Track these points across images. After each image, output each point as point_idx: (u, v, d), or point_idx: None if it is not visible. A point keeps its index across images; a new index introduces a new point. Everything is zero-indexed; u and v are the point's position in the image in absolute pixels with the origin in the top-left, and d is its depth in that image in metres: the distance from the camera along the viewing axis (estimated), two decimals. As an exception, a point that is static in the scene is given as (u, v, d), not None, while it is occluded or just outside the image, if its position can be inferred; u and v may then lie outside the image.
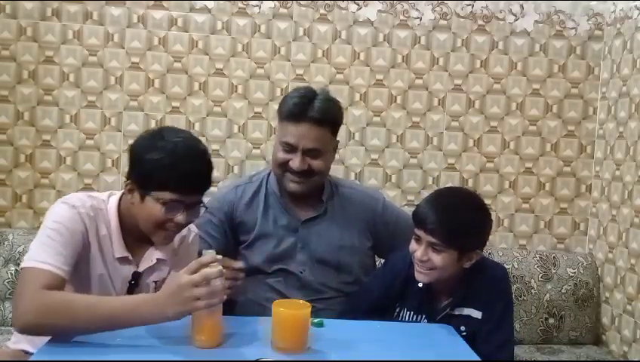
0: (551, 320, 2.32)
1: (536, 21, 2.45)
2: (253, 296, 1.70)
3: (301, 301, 1.39)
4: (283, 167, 1.70)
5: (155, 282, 1.50)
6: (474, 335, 1.53)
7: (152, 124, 2.35)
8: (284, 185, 1.73)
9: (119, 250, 1.45)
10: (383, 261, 2.00)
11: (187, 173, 1.35)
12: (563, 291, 2.33)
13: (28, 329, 1.30)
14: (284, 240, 1.74)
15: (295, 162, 1.67)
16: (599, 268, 2.42)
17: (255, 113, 2.39)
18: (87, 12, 2.31)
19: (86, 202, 1.42)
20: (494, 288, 1.57)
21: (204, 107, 2.38)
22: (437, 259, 1.49)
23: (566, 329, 2.34)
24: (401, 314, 1.66)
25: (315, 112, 1.66)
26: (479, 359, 1.36)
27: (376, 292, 1.68)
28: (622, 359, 2.24)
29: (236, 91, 2.38)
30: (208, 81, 2.37)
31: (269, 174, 1.82)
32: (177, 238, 1.52)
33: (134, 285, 1.48)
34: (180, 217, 1.38)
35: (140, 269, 1.48)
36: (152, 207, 1.37)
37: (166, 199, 1.35)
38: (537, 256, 2.39)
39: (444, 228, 1.48)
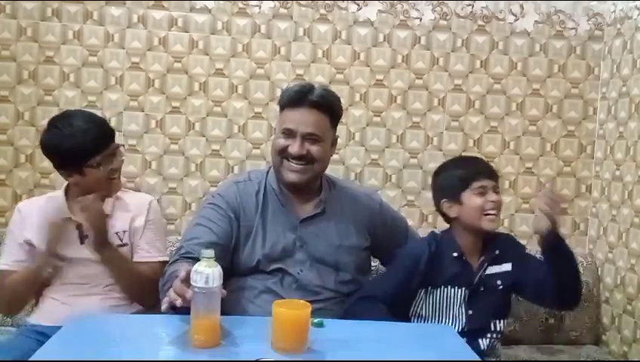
0: (551, 320, 2.32)
1: (536, 21, 2.45)
2: (249, 296, 1.69)
3: (301, 301, 1.39)
4: (282, 153, 1.72)
5: (117, 233, 1.86)
6: (509, 288, 1.77)
7: (152, 124, 2.36)
8: (283, 175, 1.73)
9: (63, 212, 1.82)
10: (379, 261, 2.02)
11: (95, 138, 1.76)
12: (563, 291, 2.33)
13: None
14: (283, 238, 1.73)
15: (294, 147, 1.69)
16: (599, 268, 2.42)
17: (255, 113, 2.39)
18: (87, 12, 2.32)
19: (35, 201, 1.93)
20: (510, 242, 1.84)
21: (204, 107, 2.38)
22: (500, 198, 1.75)
23: (566, 329, 2.34)
24: (428, 298, 1.74)
25: (314, 97, 1.69)
26: (479, 359, 1.36)
27: (399, 279, 1.73)
28: (622, 359, 2.24)
29: (236, 91, 2.38)
30: (208, 81, 2.37)
31: (267, 173, 1.82)
32: (129, 202, 1.92)
33: (84, 237, 1.80)
34: (115, 164, 1.83)
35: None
36: (92, 173, 1.77)
37: (96, 162, 1.77)
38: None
39: (494, 170, 1.80)
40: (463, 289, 1.73)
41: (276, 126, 1.80)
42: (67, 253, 1.80)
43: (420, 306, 1.75)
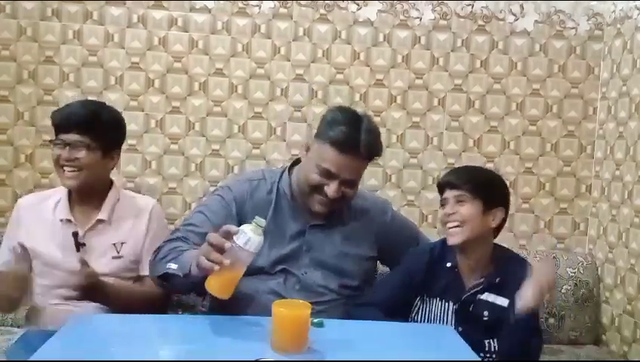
0: (551, 320, 2.32)
1: (536, 21, 2.45)
2: (251, 296, 1.69)
3: (301, 301, 1.39)
4: (315, 189, 1.68)
5: (114, 244, 1.78)
6: (495, 323, 1.60)
7: (152, 124, 2.36)
8: (310, 205, 1.71)
9: (63, 213, 1.78)
10: (387, 267, 2.01)
11: (63, 115, 1.75)
12: (563, 291, 2.33)
13: None
14: (290, 243, 1.73)
15: (331, 190, 1.65)
16: (599, 268, 2.42)
17: (255, 113, 2.39)
18: (87, 12, 2.31)
19: (36, 198, 1.87)
20: (521, 273, 1.53)
21: (204, 107, 2.38)
22: (464, 210, 1.63)
23: (566, 329, 2.34)
24: (424, 307, 1.70)
25: (363, 148, 1.64)
26: (479, 359, 1.36)
27: (397, 283, 1.73)
28: (622, 359, 2.24)
29: (236, 91, 2.38)
30: (208, 81, 2.37)
31: (281, 175, 1.81)
32: (130, 207, 1.85)
33: (80, 245, 1.75)
34: (62, 152, 1.72)
35: (80, 230, 1.76)
36: (53, 150, 1.75)
37: (50, 139, 1.76)
38: (537, 256, 2.38)
39: (466, 179, 1.66)
40: (451, 303, 1.66)
41: (312, 153, 1.70)
42: (63, 265, 1.72)
43: (417, 314, 1.72)
